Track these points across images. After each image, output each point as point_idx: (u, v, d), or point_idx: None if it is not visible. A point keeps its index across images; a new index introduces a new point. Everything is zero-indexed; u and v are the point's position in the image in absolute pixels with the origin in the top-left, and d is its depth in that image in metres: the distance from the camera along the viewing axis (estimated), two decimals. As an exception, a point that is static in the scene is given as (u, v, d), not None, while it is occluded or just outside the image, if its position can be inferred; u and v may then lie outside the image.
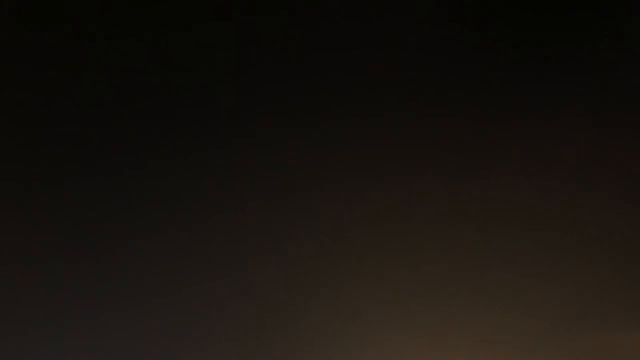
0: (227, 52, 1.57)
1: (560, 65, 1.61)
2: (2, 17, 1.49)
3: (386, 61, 1.60)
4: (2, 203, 1.90)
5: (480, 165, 1.83)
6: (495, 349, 2.49)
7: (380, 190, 1.89)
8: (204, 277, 2.15)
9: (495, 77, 1.63)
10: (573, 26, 1.54)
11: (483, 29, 1.54)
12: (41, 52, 1.56)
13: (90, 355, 2.50)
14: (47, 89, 1.63)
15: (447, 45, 1.57)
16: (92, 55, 1.57)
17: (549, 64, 1.60)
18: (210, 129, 1.73)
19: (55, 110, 1.68)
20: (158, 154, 1.78)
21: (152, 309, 2.28)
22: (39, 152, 1.77)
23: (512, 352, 2.51)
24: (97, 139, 1.74)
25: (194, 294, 2.22)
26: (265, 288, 2.20)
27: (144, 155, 1.78)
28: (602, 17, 1.53)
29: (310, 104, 1.68)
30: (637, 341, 2.44)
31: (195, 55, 1.58)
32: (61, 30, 1.52)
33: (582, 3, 1.50)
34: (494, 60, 1.59)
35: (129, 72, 1.61)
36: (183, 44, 1.56)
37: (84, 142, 1.75)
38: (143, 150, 1.77)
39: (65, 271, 2.11)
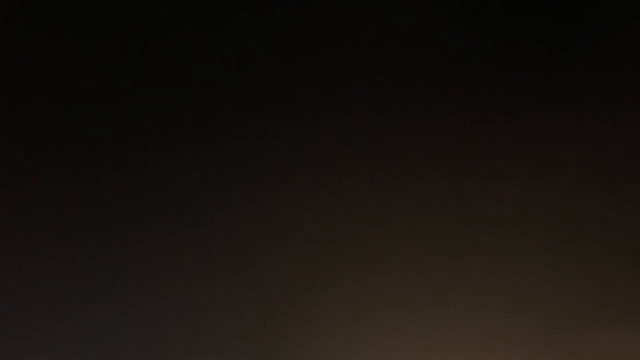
0: (227, 52, 1.57)
1: (561, 65, 1.61)
2: (2, 17, 1.49)
3: (386, 61, 1.60)
4: (2, 203, 1.90)
5: (480, 165, 1.83)
6: (495, 349, 2.49)
7: (381, 191, 1.89)
8: (205, 278, 2.15)
9: (495, 77, 1.63)
10: (573, 26, 1.54)
11: (483, 29, 1.54)
12: (41, 52, 1.56)
13: (90, 356, 2.50)
14: (47, 88, 1.63)
15: (447, 45, 1.57)
16: (92, 55, 1.57)
17: (550, 64, 1.60)
18: (209, 129, 1.73)
19: (55, 110, 1.68)
20: (158, 154, 1.78)
21: (153, 311, 2.28)
22: (39, 152, 1.77)
23: (512, 352, 2.51)
24: (97, 139, 1.74)
25: (195, 295, 2.22)
26: (267, 289, 2.20)
27: (144, 155, 1.78)
28: (602, 17, 1.53)
29: (310, 104, 1.68)
30: (637, 341, 2.44)
31: (195, 55, 1.58)
32: (61, 30, 1.52)
33: (582, 3, 1.50)
34: (494, 60, 1.59)
35: (129, 72, 1.61)
36: (183, 44, 1.56)
37: (84, 142, 1.75)
38: (143, 150, 1.77)
39: (66, 272, 2.11)
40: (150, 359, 2.51)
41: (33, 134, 1.72)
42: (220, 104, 1.68)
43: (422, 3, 1.50)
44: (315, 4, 1.50)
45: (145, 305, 2.25)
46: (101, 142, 1.75)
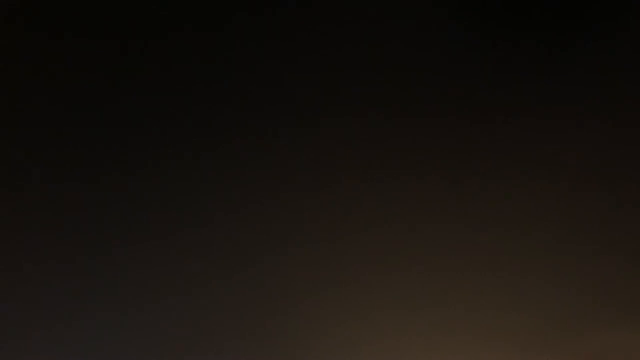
0: (227, 52, 1.57)
1: (561, 65, 1.61)
2: (2, 17, 1.49)
3: (386, 61, 1.60)
4: (2, 203, 1.90)
5: (480, 165, 1.83)
6: (495, 349, 2.49)
7: (381, 191, 1.89)
8: (205, 278, 2.15)
9: (495, 77, 1.63)
10: (573, 26, 1.54)
11: (483, 29, 1.54)
12: (41, 52, 1.56)
13: (90, 356, 2.50)
14: (47, 88, 1.63)
15: (447, 45, 1.57)
16: (92, 55, 1.57)
17: (550, 64, 1.60)
18: (209, 129, 1.73)
19: (55, 110, 1.68)
20: (158, 154, 1.78)
21: (153, 311, 2.28)
22: (39, 152, 1.77)
23: (512, 352, 2.51)
24: (97, 139, 1.74)
25: (195, 295, 2.22)
26: (267, 289, 2.20)
27: (144, 155, 1.78)
28: (602, 17, 1.53)
29: (310, 104, 1.68)
30: (637, 341, 2.44)
31: (195, 55, 1.58)
32: (61, 30, 1.52)
33: (582, 3, 1.50)
34: (494, 60, 1.59)
35: (129, 72, 1.61)
36: (183, 44, 1.56)
37: (84, 142, 1.75)
38: (143, 150, 1.77)
39: (66, 272, 2.11)
40: (150, 359, 2.51)
41: (33, 134, 1.72)
42: (220, 104, 1.68)
43: (422, 3, 1.50)
44: (315, 4, 1.50)
45: (145, 305, 2.25)
46: (101, 142, 1.75)
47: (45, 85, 1.62)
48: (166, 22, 1.52)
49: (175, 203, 1.91)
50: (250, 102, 1.67)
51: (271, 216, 1.95)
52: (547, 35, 1.55)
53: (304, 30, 1.54)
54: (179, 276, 2.14)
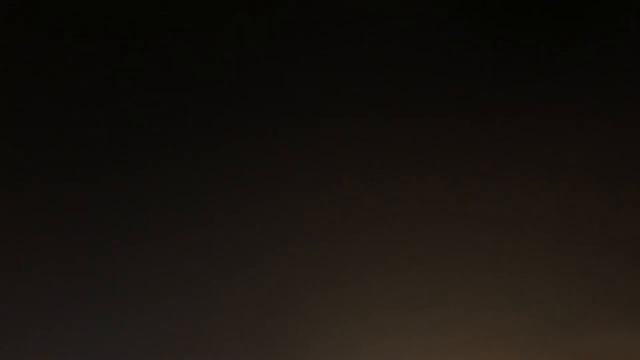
0: (227, 52, 1.57)
1: (561, 65, 1.61)
2: (2, 17, 1.49)
3: (386, 61, 1.60)
4: (2, 203, 1.90)
5: (480, 165, 1.83)
6: (495, 349, 2.49)
7: (381, 191, 1.89)
8: (205, 278, 2.15)
9: (495, 77, 1.63)
10: (573, 26, 1.54)
11: (483, 29, 1.54)
12: (41, 52, 1.56)
13: (90, 356, 2.50)
14: (47, 88, 1.63)
15: (447, 45, 1.57)
16: (92, 55, 1.57)
17: (550, 64, 1.60)
18: (209, 129, 1.73)
19: (55, 110, 1.68)
20: (158, 154, 1.78)
21: (153, 311, 2.28)
22: (39, 152, 1.77)
23: (512, 352, 2.51)
24: (97, 139, 1.74)
25: (195, 295, 2.22)
26: (267, 289, 2.20)
27: (144, 155, 1.78)
28: (602, 17, 1.53)
29: (310, 104, 1.68)
30: (637, 341, 2.44)
31: (195, 55, 1.58)
32: (61, 30, 1.52)
33: (582, 3, 1.50)
34: (494, 60, 1.59)
35: (129, 72, 1.61)
36: (183, 44, 1.56)
37: (84, 142, 1.75)
38: (143, 150, 1.77)
39: (66, 272, 2.11)
40: (150, 359, 2.51)
41: (33, 134, 1.72)
42: (220, 104, 1.68)
43: (422, 3, 1.50)
44: (315, 4, 1.50)
45: (145, 305, 2.25)
46: (101, 142, 1.75)
47: (45, 85, 1.62)
48: (166, 22, 1.52)
49: (175, 203, 1.91)
50: (250, 102, 1.67)
51: (271, 216, 1.95)
52: (547, 35, 1.55)
53: (304, 30, 1.54)
54: (179, 276, 2.14)
